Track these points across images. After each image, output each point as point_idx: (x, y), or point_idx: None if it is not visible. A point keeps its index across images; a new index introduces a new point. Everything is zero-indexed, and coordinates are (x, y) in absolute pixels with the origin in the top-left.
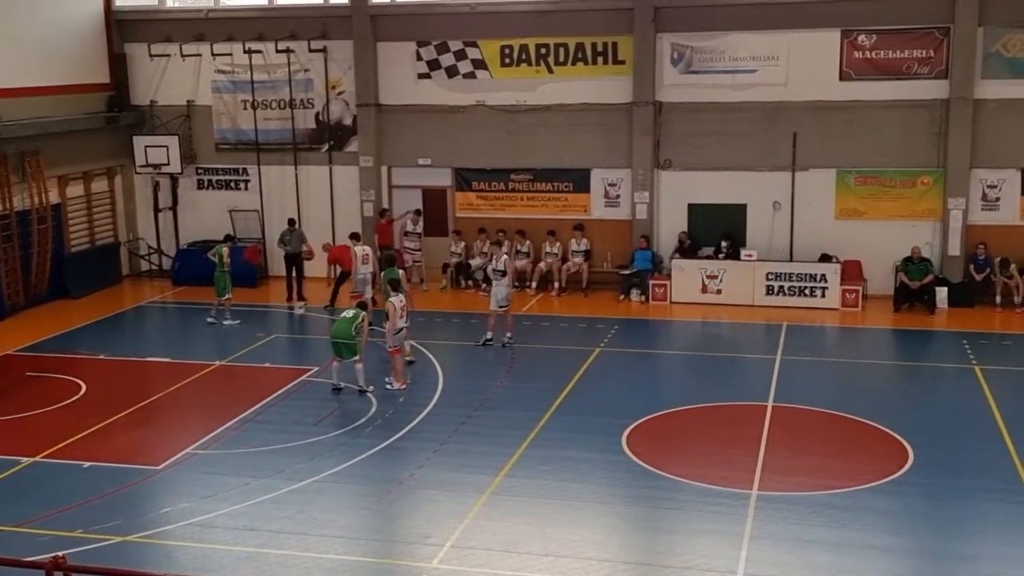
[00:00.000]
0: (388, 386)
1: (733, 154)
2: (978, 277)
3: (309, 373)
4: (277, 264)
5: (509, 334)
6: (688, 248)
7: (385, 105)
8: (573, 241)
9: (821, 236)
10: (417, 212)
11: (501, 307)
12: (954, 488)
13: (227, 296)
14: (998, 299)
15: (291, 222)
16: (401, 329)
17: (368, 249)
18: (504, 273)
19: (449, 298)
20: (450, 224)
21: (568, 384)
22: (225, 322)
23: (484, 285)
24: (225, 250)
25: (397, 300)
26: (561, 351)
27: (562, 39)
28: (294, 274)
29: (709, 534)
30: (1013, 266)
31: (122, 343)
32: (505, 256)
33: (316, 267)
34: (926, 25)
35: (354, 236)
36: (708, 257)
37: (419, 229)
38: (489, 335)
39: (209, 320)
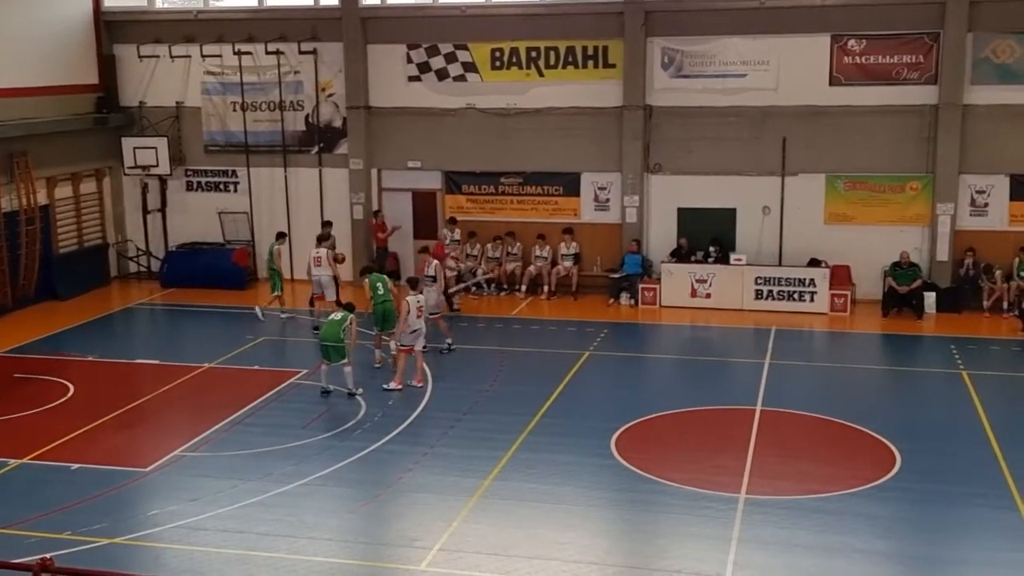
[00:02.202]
0: (385, 386)
1: (723, 158)
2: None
3: (298, 376)
4: (266, 266)
5: (449, 340)
6: (685, 253)
7: (375, 107)
8: (563, 245)
9: (810, 241)
10: (451, 220)
11: (432, 314)
12: (941, 493)
13: (277, 293)
14: (986, 304)
15: (326, 224)
16: (416, 330)
17: (322, 252)
18: (434, 279)
19: None
20: (440, 227)
21: (557, 388)
22: (283, 315)
23: (474, 288)
24: (278, 248)
25: (413, 300)
26: (550, 355)
27: (553, 42)
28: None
29: (697, 538)
30: (998, 272)
31: (110, 345)
32: (435, 263)
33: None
34: (916, 31)
35: (323, 237)
36: (698, 261)
37: (456, 236)
38: (448, 340)
39: (260, 315)
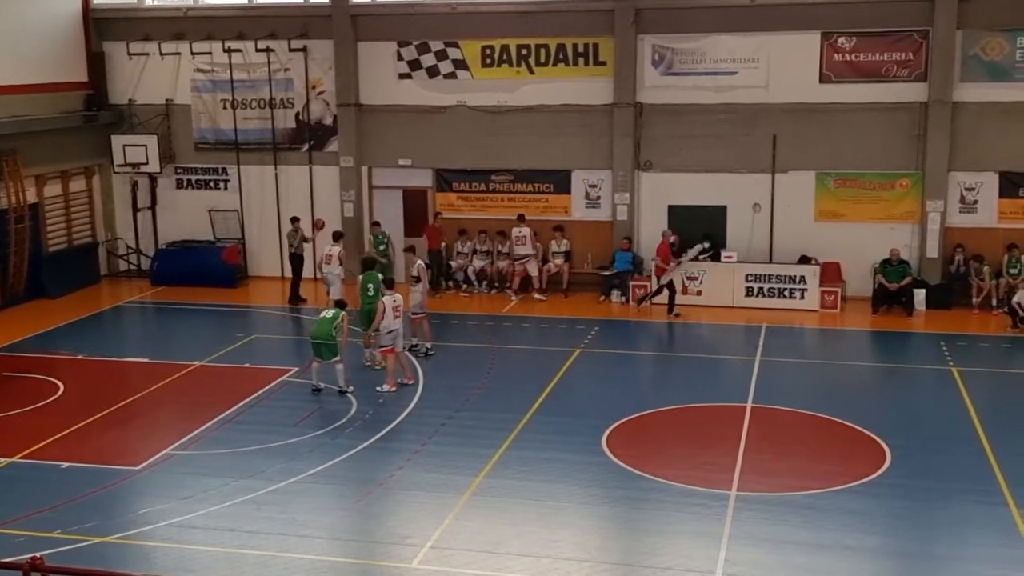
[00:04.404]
0: (378, 388)
1: (713, 156)
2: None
3: (289, 374)
4: (256, 264)
5: (428, 344)
6: (677, 250)
7: (365, 105)
8: (553, 242)
9: (801, 238)
10: (520, 217)
11: (416, 314)
12: (931, 489)
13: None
14: (975, 301)
15: (293, 220)
16: (393, 330)
17: (335, 250)
18: (418, 279)
19: (429, 299)
20: (432, 220)
21: (548, 385)
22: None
23: (465, 286)
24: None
25: (389, 300)
26: (542, 352)
27: (543, 40)
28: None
29: (688, 535)
30: (987, 269)
31: (101, 343)
32: (420, 262)
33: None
34: (905, 28)
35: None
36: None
37: (523, 233)
38: (413, 341)
39: None
